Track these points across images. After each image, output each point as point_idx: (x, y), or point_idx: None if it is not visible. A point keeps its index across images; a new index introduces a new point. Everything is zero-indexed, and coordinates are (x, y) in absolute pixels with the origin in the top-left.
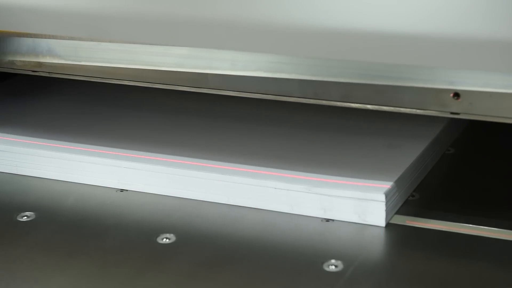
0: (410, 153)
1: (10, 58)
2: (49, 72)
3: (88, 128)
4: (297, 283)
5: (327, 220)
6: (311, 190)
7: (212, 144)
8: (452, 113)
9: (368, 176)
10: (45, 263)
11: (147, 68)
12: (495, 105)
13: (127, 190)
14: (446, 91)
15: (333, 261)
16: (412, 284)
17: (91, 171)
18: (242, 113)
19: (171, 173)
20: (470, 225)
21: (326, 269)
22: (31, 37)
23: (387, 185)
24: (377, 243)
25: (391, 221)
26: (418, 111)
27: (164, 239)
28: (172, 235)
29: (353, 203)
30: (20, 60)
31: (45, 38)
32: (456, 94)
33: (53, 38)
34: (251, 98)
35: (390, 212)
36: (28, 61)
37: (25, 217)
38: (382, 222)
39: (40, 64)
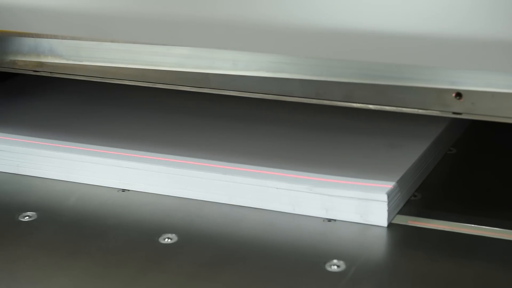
0: (412, 153)
1: (11, 58)
2: (50, 72)
3: (90, 128)
4: (299, 283)
5: (329, 220)
6: (313, 190)
7: (214, 144)
8: (454, 113)
9: (370, 176)
10: (46, 263)
11: (149, 68)
12: (497, 105)
13: (128, 190)
14: (448, 91)
15: (335, 261)
16: (415, 284)
17: (92, 171)
18: (243, 113)
19: (172, 173)
20: (472, 225)
21: (328, 269)
22: (33, 37)
23: (389, 185)
24: (379, 243)
25: (393, 221)
26: (420, 111)
27: (166, 239)
28: (173, 235)
29: (355, 203)
30: (21, 60)
31: (47, 38)
32: (458, 94)
33: (55, 38)
34: (252, 98)
35: (392, 212)
36: (30, 61)
37: (27, 217)
38: (384, 222)
39: (41, 64)
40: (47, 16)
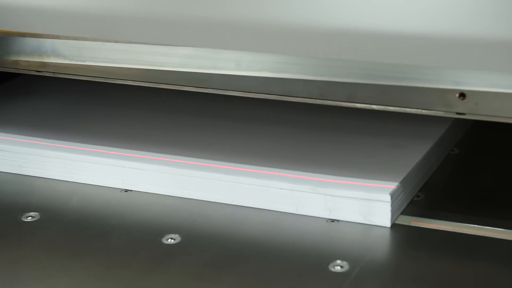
0: (415, 153)
1: (14, 58)
2: (53, 72)
3: (93, 128)
4: (303, 284)
5: (332, 220)
6: (316, 190)
7: (217, 144)
8: (457, 113)
9: (373, 176)
10: (49, 263)
11: (152, 68)
12: (501, 105)
13: (131, 190)
14: (452, 91)
15: (338, 261)
16: (418, 285)
17: (95, 171)
18: (246, 113)
19: (175, 173)
20: (475, 225)
21: (332, 269)
22: (36, 37)
23: (393, 185)
24: (382, 244)
25: (396, 222)
26: (424, 112)
27: (169, 240)
28: (177, 235)
29: (358, 204)
30: (24, 60)
31: (50, 38)
32: (462, 95)
33: (58, 38)
34: (255, 98)
35: (395, 212)
36: (33, 61)
37: (30, 217)
38: (387, 223)
39: (44, 64)
40: (50, 17)
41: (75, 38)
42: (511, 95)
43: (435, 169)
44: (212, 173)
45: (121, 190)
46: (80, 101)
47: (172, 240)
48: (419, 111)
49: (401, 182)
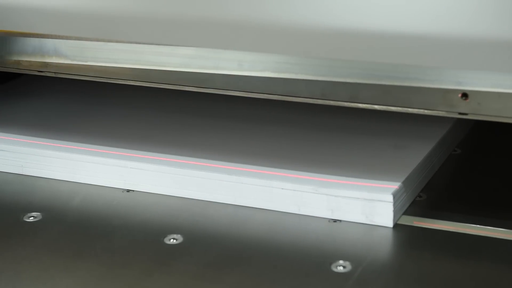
0: (417, 153)
1: (16, 58)
2: (55, 72)
3: (94, 128)
4: (305, 284)
5: (335, 220)
6: (318, 190)
7: (219, 144)
8: (460, 113)
9: (376, 176)
10: (51, 264)
11: (153, 68)
12: (503, 105)
13: (133, 190)
14: (454, 91)
15: (341, 261)
16: (420, 285)
17: (97, 172)
18: (248, 113)
19: (177, 173)
20: (477, 225)
21: (334, 270)
22: (37, 37)
23: (395, 185)
24: (385, 244)
25: (399, 222)
26: (426, 112)
27: (171, 240)
28: (179, 235)
29: (360, 204)
30: (26, 60)
31: (51, 38)
32: (464, 95)
33: (59, 38)
34: (258, 98)
35: (397, 212)
36: (34, 61)
37: (32, 218)
38: (390, 223)
39: (46, 64)
40: (51, 17)
41: (77, 38)
42: None
43: (437, 169)
44: (214, 173)
45: (123, 190)
46: (81, 101)
47: (174, 240)
48: (421, 111)
49: (404, 182)
